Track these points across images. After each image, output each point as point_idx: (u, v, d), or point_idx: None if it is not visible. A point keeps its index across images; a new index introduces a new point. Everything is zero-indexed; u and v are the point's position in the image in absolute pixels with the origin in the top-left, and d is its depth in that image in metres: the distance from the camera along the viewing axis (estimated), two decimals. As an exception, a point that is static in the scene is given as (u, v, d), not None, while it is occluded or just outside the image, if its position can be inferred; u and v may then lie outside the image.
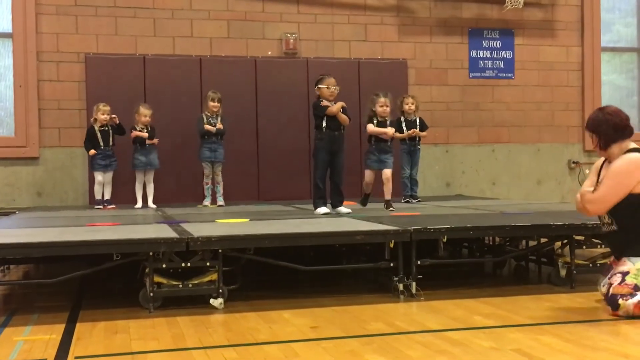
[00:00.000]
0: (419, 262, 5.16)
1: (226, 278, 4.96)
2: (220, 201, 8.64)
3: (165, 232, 5.19)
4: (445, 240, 5.25)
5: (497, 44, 10.94)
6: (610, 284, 4.37)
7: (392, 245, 5.14)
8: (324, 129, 6.84)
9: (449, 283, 5.65)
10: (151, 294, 4.75)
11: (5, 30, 9.52)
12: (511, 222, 5.60)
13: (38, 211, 8.14)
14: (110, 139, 8.42)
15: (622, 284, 4.31)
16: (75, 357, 3.65)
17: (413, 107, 8.58)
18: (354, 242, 5.34)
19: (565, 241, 5.59)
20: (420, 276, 5.15)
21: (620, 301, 4.25)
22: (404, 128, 8.40)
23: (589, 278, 5.29)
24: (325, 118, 6.82)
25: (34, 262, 6.60)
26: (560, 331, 3.98)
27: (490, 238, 6.65)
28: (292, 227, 5.66)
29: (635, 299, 4.23)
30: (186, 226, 5.57)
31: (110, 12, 9.59)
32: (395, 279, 5.13)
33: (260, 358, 3.57)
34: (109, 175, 8.45)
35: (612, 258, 4.75)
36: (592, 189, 4.62)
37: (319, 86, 6.92)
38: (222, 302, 4.83)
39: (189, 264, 4.87)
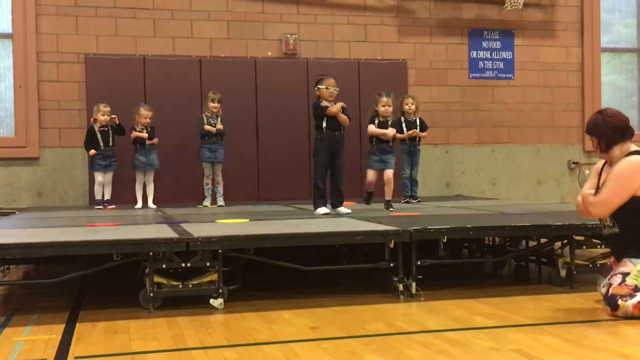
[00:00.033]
0: (418, 263, 5.16)
1: (226, 278, 4.96)
2: (220, 201, 8.64)
3: (165, 232, 5.20)
4: (445, 240, 5.25)
5: (497, 44, 10.95)
6: (610, 284, 4.36)
7: (392, 245, 5.14)
8: (324, 129, 6.85)
9: (449, 283, 5.65)
10: (151, 294, 4.75)
11: (5, 30, 9.52)
12: (511, 223, 5.60)
13: (38, 211, 8.14)
14: (110, 139, 8.43)
15: (622, 285, 4.31)
16: (75, 357, 3.65)
17: (413, 107, 8.59)
18: (354, 242, 5.33)
19: (565, 241, 5.59)
20: (420, 276, 5.15)
21: (620, 302, 4.25)
22: (404, 128, 8.40)
23: (589, 278, 5.29)
24: (325, 118, 6.83)
25: (34, 262, 6.60)
26: (560, 331, 3.98)
27: (490, 238, 6.66)
28: (292, 227, 5.66)
29: (634, 300, 4.23)
30: (186, 226, 5.57)
31: (110, 13, 9.59)
32: (395, 279, 5.13)
33: (260, 358, 3.57)
34: (109, 175, 8.46)
35: (612, 259, 4.74)
36: (593, 191, 4.61)
37: (319, 87, 6.92)
38: (222, 302, 4.83)
39: (189, 264, 4.87)
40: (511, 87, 11.00)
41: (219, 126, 8.53)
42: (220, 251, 4.87)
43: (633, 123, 5.14)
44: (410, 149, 8.55)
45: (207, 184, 8.68)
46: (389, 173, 7.20)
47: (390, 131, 7.21)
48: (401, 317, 4.53)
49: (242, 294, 5.14)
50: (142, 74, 9.56)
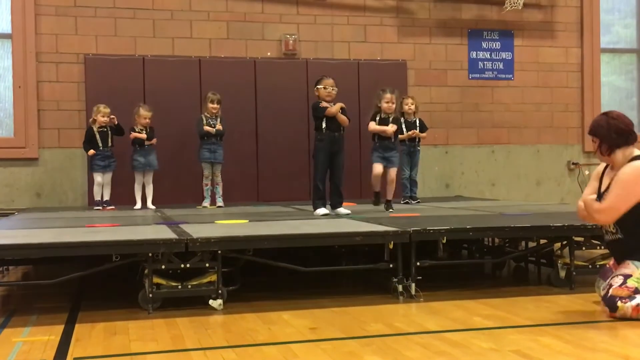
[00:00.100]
0: (418, 263, 5.16)
1: (225, 279, 4.96)
2: (220, 202, 8.64)
3: (165, 233, 5.19)
4: (444, 241, 5.25)
5: (497, 45, 10.95)
6: (611, 285, 4.35)
7: (391, 246, 5.13)
8: (324, 130, 6.84)
9: (448, 284, 5.64)
10: (150, 295, 4.74)
11: (5, 31, 9.52)
12: (511, 223, 5.60)
13: (37, 212, 8.13)
14: (109, 139, 8.42)
15: (622, 286, 4.29)
16: (74, 358, 3.64)
17: (413, 107, 8.59)
18: (354, 243, 5.33)
19: (564, 242, 5.58)
20: (420, 277, 5.15)
21: (619, 303, 4.24)
22: (404, 129, 8.39)
23: (589, 279, 5.29)
24: (324, 119, 6.82)
25: (33, 263, 6.59)
26: (560, 332, 3.98)
27: (490, 239, 6.65)
28: (291, 228, 5.66)
29: (634, 302, 4.22)
30: (185, 227, 5.57)
31: (109, 13, 9.59)
32: (395, 280, 5.13)
33: (259, 359, 3.56)
34: (108, 176, 8.45)
35: (612, 261, 4.73)
36: (594, 196, 4.56)
37: (317, 87, 6.93)
38: (221, 303, 4.83)
39: (188, 265, 4.87)
40: (511, 88, 11.00)
41: (218, 127, 8.53)
42: (219, 252, 4.86)
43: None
44: (409, 150, 8.54)
45: (207, 185, 8.68)
46: (392, 173, 7.18)
47: (390, 128, 7.16)
48: (400, 318, 4.53)
49: (242, 294, 5.13)
50: (141, 75, 9.56)
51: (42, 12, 9.42)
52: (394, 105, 7.23)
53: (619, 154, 4.50)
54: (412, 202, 8.53)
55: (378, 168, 7.18)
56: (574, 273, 5.43)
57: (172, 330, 4.22)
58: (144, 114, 8.49)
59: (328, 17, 10.28)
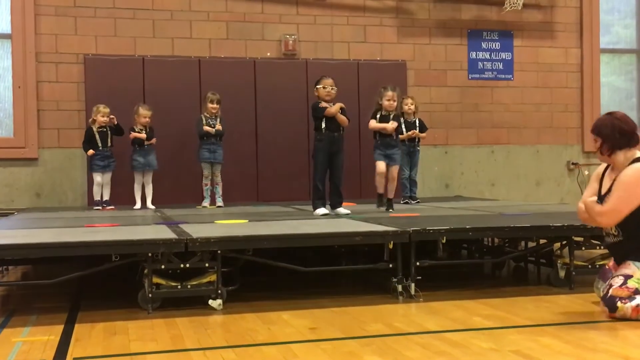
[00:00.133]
0: (418, 263, 5.16)
1: (225, 279, 4.96)
2: (219, 202, 8.64)
3: (164, 233, 5.19)
4: (444, 241, 5.25)
5: (496, 45, 10.95)
6: (611, 285, 4.35)
7: (391, 246, 5.13)
8: (323, 130, 6.85)
9: (448, 284, 5.64)
10: (150, 295, 4.74)
11: (4, 31, 9.51)
12: (510, 223, 5.60)
13: (37, 212, 8.13)
14: (109, 139, 8.42)
15: (622, 287, 4.28)
16: (74, 358, 3.64)
17: (412, 108, 8.59)
18: (353, 243, 5.33)
19: (564, 242, 5.58)
20: (420, 277, 5.15)
21: (619, 304, 4.23)
22: (404, 129, 8.38)
23: (588, 279, 5.28)
24: (324, 119, 6.82)
25: (32, 263, 6.59)
26: (560, 332, 3.98)
27: (490, 239, 6.65)
28: (291, 228, 5.66)
29: (633, 303, 4.22)
30: (185, 227, 5.57)
31: (109, 13, 9.59)
32: (394, 280, 5.13)
33: (258, 359, 3.56)
34: (108, 176, 8.45)
35: (611, 262, 4.72)
36: (595, 198, 4.54)
37: (316, 87, 6.94)
38: (221, 303, 4.83)
39: (187, 265, 4.87)
40: (510, 88, 11.00)
41: (218, 127, 8.53)
42: (219, 252, 4.86)
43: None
44: (409, 150, 8.54)
45: (206, 185, 8.68)
46: (394, 171, 7.17)
47: (390, 125, 7.13)
48: (400, 318, 4.53)
49: (241, 294, 5.13)
50: (141, 75, 9.55)
51: (41, 12, 9.42)
52: (395, 103, 7.20)
53: (620, 155, 4.47)
54: (412, 202, 8.53)
55: (381, 166, 7.15)
56: (574, 273, 5.43)
57: (172, 330, 4.22)
58: (144, 113, 8.49)
59: (328, 17, 10.28)
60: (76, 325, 4.40)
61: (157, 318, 4.56)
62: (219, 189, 8.68)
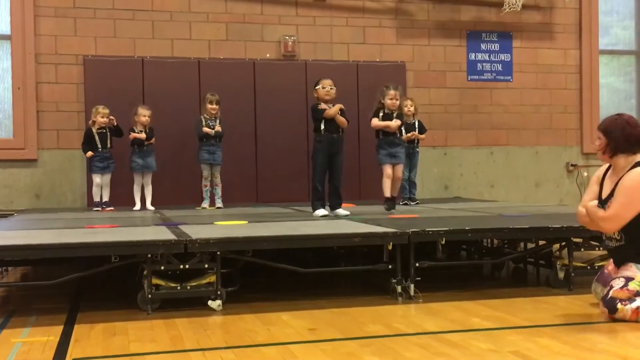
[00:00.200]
0: (417, 265, 5.16)
1: (224, 280, 4.96)
2: (219, 203, 8.64)
3: (164, 234, 5.20)
4: (443, 242, 5.25)
5: (496, 46, 10.96)
6: (611, 287, 4.34)
7: (390, 247, 5.14)
8: (323, 131, 6.85)
9: (447, 285, 5.64)
10: (149, 296, 4.74)
11: (4, 32, 9.52)
12: (509, 225, 5.61)
13: (36, 213, 8.13)
14: (108, 141, 8.42)
15: (623, 289, 4.27)
16: (73, 359, 3.65)
17: (412, 109, 8.59)
18: (353, 244, 5.34)
19: (563, 243, 5.59)
20: (419, 278, 5.15)
21: (619, 305, 4.22)
22: (403, 131, 8.36)
23: (587, 280, 5.28)
24: (323, 121, 6.83)
25: (32, 264, 6.59)
26: (559, 333, 3.98)
27: (489, 240, 6.65)
28: (290, 229, 5.67)
29: (634, 305, 4.21)
30: (184, 228, 5.57)
31: (108, 14, 9.59)
32: (394, 281, 5.14)
33: (258, 360, 3.57)
34: (107, 177, 8.45)
35: (610, 266, 4.69)
36: (596, 202, 4.51)
37: (316, 88, 6.95)
38: (220, 304, 4.83)
39: (187, 266, 4.87)
40: (509, 89, 11.01)
41: (217, 128, 8.54)
42: (218, 253, 4.87)
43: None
44: (408, 151, 8.52)
45: (206, 186, 8.68)
46: (398, 170, 7.11)
47: (394, 123, 7.07)
48: (399, 319, 4.53)
49: (241, 295, 5.14)
50: (140, 76, 9.56)
51: (41, 13, 9.43)
52: (397, 102, 7.14)
53: (622, 159, 4.45)
54: (411, 203, 8.53)
55: (389, 170, 7.07)
56: (573, 274, 5.44)
57: (171, 331, 4.22)
58: (143, 112, 8.49)
59: (327, 18, 10.29)
60: (75, 326, 4.40)
61: (157, 319, 4.56)
62: (219, 190, 8.69)
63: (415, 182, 8.76)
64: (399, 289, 5.11)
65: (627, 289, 4.27)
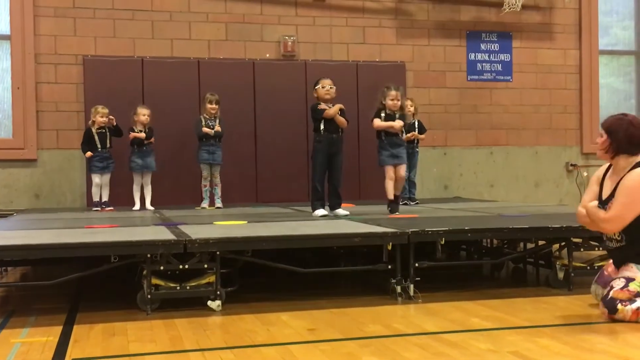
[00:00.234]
0: (416, 265, 5.16)
1: (224, 280, 4.96)
2: (218, 203, 8.64)
3: (163, 234, 5.19)
4: (443, 242, 5.25)
5: (495, 46, 10.96)
6: (612, 287, 4.33)
7: (390, 247, 5.14)
8: (322, 131, 6.85)
9: (446, 285, 5.64)
10: (149, 296, 4.74)
11: (3, 32, 9.51)
12: (509, 225, 5.61)
13: (36, 213, 8.13)
14: (108, 141, 8.41)
15: (623, 289, 4.26)
16: (73, 359, 3.64)
17: (412, 109, 8.59)
18: (352, 244, 5.34)
19: (563, 243, 5.59)
20: (418, 278, 5.15)
21: (619, 306, 4.22)
22: (404, 131, 8.35)
23: (587, 280, 5.27)
24: (323, 121, 6.83)
25: (31, 264, 6.59)
26: (558, 334, 3.98)
27: (488, 240, 6.65)
28: (290, 229, 5.66)
29: (634, 306, 4.21)
30: (184, 228, 5.57)
31: (108, 15, 9.59)
32: (393, 281, 5.13)
33: (257, 360, 3.57)
34: (107, 177, 8.44)
35: (610, 267, 4.68)
36: (596, 202, 4.49)
37: (315, 88, 6.94)
38: (220, 304, 4.83)
39: (186, 266, 4.87)
40: (509, 90, 11.01)
41: (217, 128, 8.54)
42: (218, 253, 4.86)
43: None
44: (408, 151, 8.46)
45: (205, 186, 8.68)
46: (401, 170, 7.02)
47: (397, 123, 6.99)
48: (399, 319, 4.53)
49: (240, 295, 5.14)
50: (140, 76, 9.55)
51: (40, 13, 9.42)
52: (399, 103, 7.03)
53: (622, 160, 4.44)
54: (411, 203, 8.53)
55: (391, 172, 6.99)
56: (572, 274, 5.44)
57: (171, 331, 4.22)
58: (142, 111, 8.49)
59: (327, 18, 10.29)
60: (75, 326, 4.40)
61: (156, 319, 4.56)
62: (218, 190, 8.69)
63: (415, 182, 8.76)
64: (398, 289, 5.11)
65: (628, 290, 4.26)
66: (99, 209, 8.33)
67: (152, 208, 8.48)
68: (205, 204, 8.64)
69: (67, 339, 4.08)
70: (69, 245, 4.74)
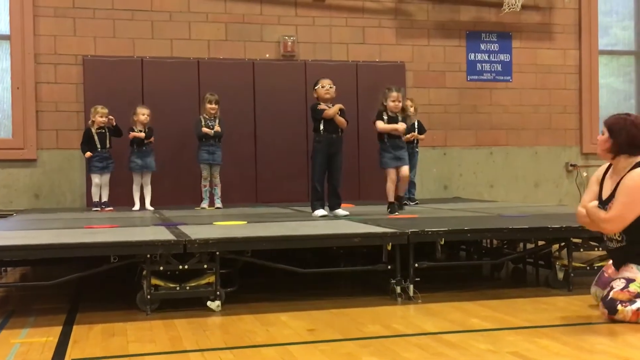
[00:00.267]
0: (416, 265, 5.16)
1: (223, 280, 4.96)
2: (218, 203, 8.64)
3: (163, 234, 5.19)
4: (442, 242, 5.25)
5: (495, 47, 10.96)
6: (612, 288, 4.32)
7: (389, 247, 5.14)
8: (322, 131, 6.85)
9: (446, 286, 5.64)
10: (148, 297, 4.74)
11: (3, 32, 9.51)
12: (509, 225, 5.60)
13: (35, 213, 8.13)
14: (107, 141, 8.41)
15: (623, 290, 4.26)
16: (72, 360, 3.65)
17: (412, 109, 8.58)
18: (352, 244, 5.34)
19: (562, 244, 5.58)
20: (418, 279, 5.15)
21: (619, 307, 4.21)
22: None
23: (587, 281, 5.28)
24: (322, 121, 6.83)
25: (31, 264, 6.58)
26: (558, 334, 3.98)
27: (488, 241, 6.65)
28: (289, 229, 5.66)
29: (634, 307, 4.20)
30: (184, 228, 5.57)
31: (108, 15, 9.59)
32: (393, 281, 5.13)
33: (257, 360, 3.57)
34: (106, 177, 8.44)
35: (610, 269, 4.67)
36: (596, 202, 4.49)
37: (315, 88, 6.94)
38: (220, 304, 4.83)
39: (186, 267, 4.87)
40: (509, 90, 11.01)
41: (217, 128, 8.54)
42: (217, 253, 4.86)
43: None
44: (408, 152, 8.48)
45: (205, 186, 8.68)
46: (405, 170, 6.99)
47: (401, 125, 6.95)
48: (398, 320, 4.53)
49: (240, 296, 5.14)
50: (140, 76, 9.55)
51: (40, 13, 9.42)
52: (400, 104, 6.97)
53: (622, 160, 4.43)
54: (411, 203, 8.53)
55: (393, 175, 6.96)
56: (572, 275, 5.43)
57: (170, 332, 4.22)
58: (142, 110, 8.49)
59: (326, 18, 10.29)
60: (74, 327, 4.40)
61: (156, 319, 4.56)
62: (218, 190, 8.69)
63: (415, 182, 8.76)
64: (398, 289, 5.11)
65: (628, 291, 4.26)
66: (98, 209, 8.33)
67: (151, 208, 8.48)
68: (205, 204, 8.64)
69: (67, 339, 4.08)
70: (68, 246, 4.74)
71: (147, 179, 8.59)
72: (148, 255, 4.73)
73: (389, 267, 5.18)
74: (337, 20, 10.32)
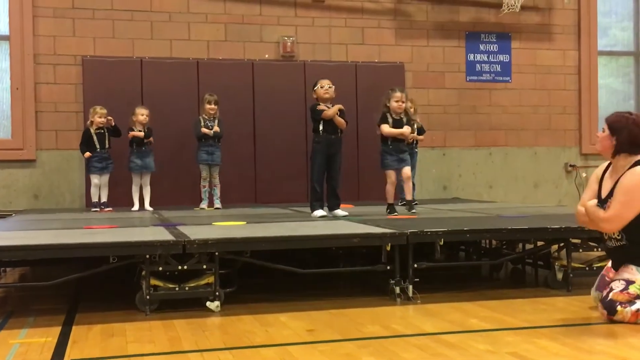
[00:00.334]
0: (415, 265, 5.16)
1: (223, 281, 4.96)
2: (217, 204, 8.64)
3: (162, 234, 5.19)
4: (442, 243, 5.25)
5: (494, 47, 10.96)
6: (611, 289, 4.32)
7: (388, 248, 5.14)
8: (321, 132, 6.85)
9: (445, 286, 5.64)
10: (148, 297, 4.74)
11: (2, 32, 9.51)
12: (508, 225, 5.60)
13: (35, 214, 8.12)
14: (107, 141, 8.41)
15: (623, 292, 4.26)
16: (71, 360, 3.65)
17: (411, 110, 8.57)
18: (351, 245, 5.34)
19: (561, 244, 5.59)
20: (417, 279, 5.15)
21: (619, 308, 4.21)
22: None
23: (586, 281, 5.29)
24: (322, 121, 6.83)
25: (30, 264, 6.58)
26: (557, 334, 3.98)
27: (487, 241, 6.65)
28: (289, 230, 5.66)
29: (633, 307, 4.20)
30: (183, 229, 5.57)
31: (107, 15, 9.59)
32: (392, 282, 5.13)
33: (256, 361, 3.57)
34: (106, 177, 8.44)
35: (611, 274, 4.65)
36: (595, 201, 4.49)
37: (314, 89, 6.94)
38: (219, 305, 4.83)
39: (185, 267, 4.87)
40: (508, 90, 11.01)
41: (216, 129, 8.54)
42: (216, 254, 4.86)
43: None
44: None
45: (204, 187, 8.68)
46: (407, 171, 6.92)
47: (407, 130, 6.89)
48: (398, 320, 4.53)
49: (239, 296, 5.14)
50: (139, 77, 9.55)
51: (39, 13, 9.42)
52: (403, 105, 6.91)
53: (622, 159, 4.42)
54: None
55: (393, 177, 6.91)
56: (571, 275, 5.43)
57: (170, 332, 4.22)
58: (141, 111, 8.50)
59: (326, 19, 10.29)
60: (74, 327, 4.40)
61: (155, 320, 4.56)
62: (217, 191, 8.69)
63: (414, 182, 8.74)
64: (397, 289, 5.11)
65: (628, 292, 4.25)
66: (97, 209, 8.33)
67: (151, 209, 8.48)
68: (204, 204, 8.64)
69: (66, 339, 4.08)
70: (67, 246, 4.74)
71: (147, 180, 8.59)
72: (147, 256, 4.73)
73: (388, 267, 5.18)
74: (337, 20, 10.33)
